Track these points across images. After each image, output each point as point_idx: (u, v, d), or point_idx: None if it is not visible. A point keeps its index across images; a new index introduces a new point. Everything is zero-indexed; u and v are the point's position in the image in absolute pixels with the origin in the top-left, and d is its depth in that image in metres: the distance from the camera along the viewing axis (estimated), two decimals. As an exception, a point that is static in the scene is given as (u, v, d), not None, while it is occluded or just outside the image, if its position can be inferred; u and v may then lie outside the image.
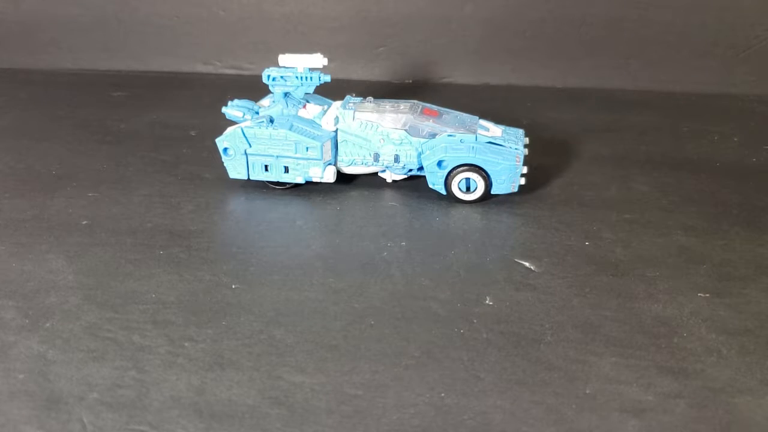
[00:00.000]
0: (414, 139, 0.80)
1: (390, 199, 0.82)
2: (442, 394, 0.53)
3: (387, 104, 0.83)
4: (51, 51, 1.40)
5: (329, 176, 0.81)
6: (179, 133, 1.03)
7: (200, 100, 1.20)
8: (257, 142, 0.80)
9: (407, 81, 1.32)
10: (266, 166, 0.81)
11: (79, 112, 1.13)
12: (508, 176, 0.78)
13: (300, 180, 0.82)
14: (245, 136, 0.80)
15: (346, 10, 1.33)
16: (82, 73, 1.36)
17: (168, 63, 1.38)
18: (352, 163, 0.83)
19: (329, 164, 0.81)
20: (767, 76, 1.25)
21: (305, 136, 0.79)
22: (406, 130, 0.80)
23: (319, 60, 0.81)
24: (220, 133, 0.82)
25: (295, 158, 0.80)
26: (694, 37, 1.27)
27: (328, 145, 0.80)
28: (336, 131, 0.82)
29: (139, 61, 1.39)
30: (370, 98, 0.85)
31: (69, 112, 1.13)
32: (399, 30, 1.33)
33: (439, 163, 0.79)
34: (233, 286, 0.65)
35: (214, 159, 0.84)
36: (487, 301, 0.63)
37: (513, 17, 1.30)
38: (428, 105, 0.84)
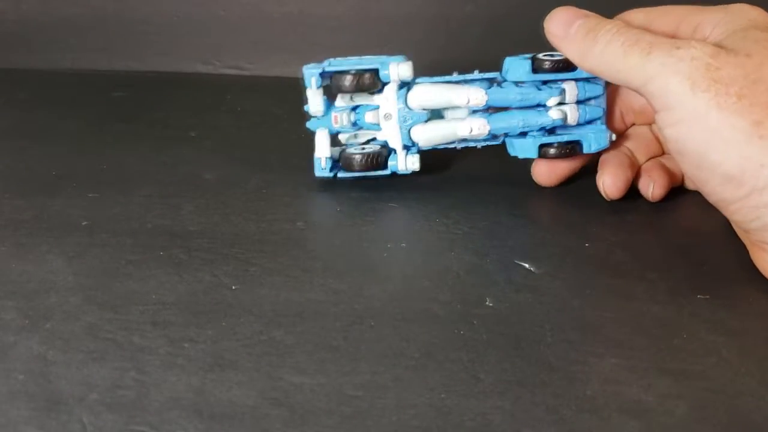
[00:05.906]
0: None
1: (390, 199, 0.82)
2: (442, 395, 0.53)
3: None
4: (51, 51, 1.40)
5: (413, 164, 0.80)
6: (179, 133, 1.03)
7: (200, 100, 1.20)
8: None
9: (407, 81, 1.32)
10: None
11: (79, 112, 1.13)
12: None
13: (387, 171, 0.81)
14: None
15: (346, 10, 1.33)
16: (82, 73, 1.36)
17: (168, 63, 1.37)
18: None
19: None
20: None
21: None
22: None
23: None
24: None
25: None
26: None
27: None
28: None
29: (139, 61, 1.38)
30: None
31: (69, 112, 1.13)
32: (399, 30, 1.33)
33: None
34: (233, 287, 0.65)
35: (214, 159, 0.84)
36: (487, 303, 0.63)
37: (513, 17, 1.29)
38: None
